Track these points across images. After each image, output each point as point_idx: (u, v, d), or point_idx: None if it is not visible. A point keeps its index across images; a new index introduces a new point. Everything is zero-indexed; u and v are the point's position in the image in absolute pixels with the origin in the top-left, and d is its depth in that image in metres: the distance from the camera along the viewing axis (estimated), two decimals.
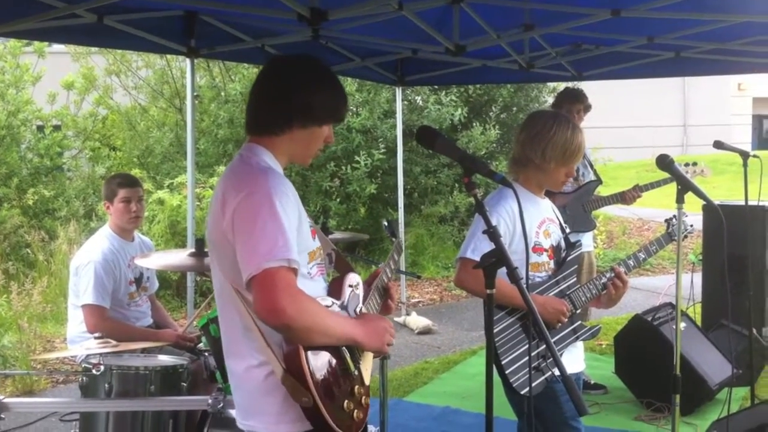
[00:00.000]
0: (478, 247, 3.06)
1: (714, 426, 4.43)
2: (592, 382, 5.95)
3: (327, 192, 10.92)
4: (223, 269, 2.37)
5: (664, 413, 5.28)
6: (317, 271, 2.48)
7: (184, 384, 3.67)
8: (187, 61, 5.87)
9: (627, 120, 23.92)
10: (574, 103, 5.80)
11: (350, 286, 2.58)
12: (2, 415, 3.29)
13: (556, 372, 3.12)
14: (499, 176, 2.37)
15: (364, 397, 2.42)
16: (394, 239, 3.32)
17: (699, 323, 6.07)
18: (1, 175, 10.63)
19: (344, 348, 2.37)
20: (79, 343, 4.14)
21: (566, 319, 3.22)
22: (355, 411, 2.35)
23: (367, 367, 2.51)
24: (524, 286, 2.18)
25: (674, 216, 3.71)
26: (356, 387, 2.39)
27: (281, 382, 2.23)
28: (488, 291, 2.21)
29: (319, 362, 2.27)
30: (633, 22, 5.07)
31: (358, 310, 2.58)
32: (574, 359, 3.32)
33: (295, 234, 2.26)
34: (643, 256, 3.52)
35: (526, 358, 3.10)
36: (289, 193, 2.31)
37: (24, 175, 10.90)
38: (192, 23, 5.19)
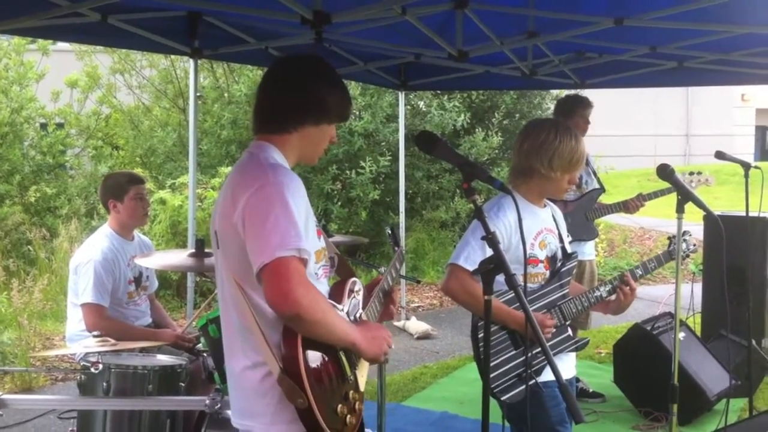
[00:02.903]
0: (471, 257, 3.07)
1: None
2: (591, 390, 5.95)
3: (329, 195, 10.93)
4: (227, 263, 2.37)
5: (662, 423, 5.27)
6: (323, 272, 2.49)
7: (182, 384, 3.67)
8: (191, 61, 5.88)
9: (629, 128, 23.91)
10: (586, 108, 5.73)
11: (351, 291, 2.59)
12: (0, 412, 3.29)
13: (540, 379, 3.16)
14: (498, 182, 2.38)
15: (357, 403, 2.44)
16: (396, 248, 3.31)
17: (699, 333, 6.06)
18: (3, 172, 10.64)
19: (342, 352, 2.39)
20: (78, 341, 4.14)
21: (550, 332, 3.21)
22: (348, 416, 2.37)
23: (363, 373, 2.52)
24: (522, 292, 2.17)
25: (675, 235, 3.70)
26: (351, 392, 2.41)
27: (278, 382, 2.24)
28: (486, 297, 2.22)
29: (316, 365, 2.28)
30: (636, 31, 5.08)
31: (358, 315, 2.59)
32: (565, 366, 3.32)
33: (304, 227, 2.28)
34: (640, 273, 3.50)
35: (509, 365, 3.13)
36: (299, 190, 2.33)
37: (26, 173, 10.92)
38: (195, 24, 5.20)
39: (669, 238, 3.73)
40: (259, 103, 2.52)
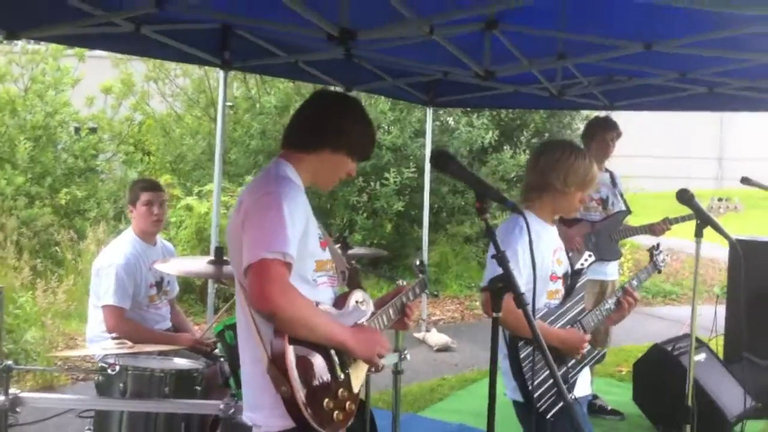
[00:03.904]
0: None
1: None
2: (609, 407, 5.95)
3: (354, 206, 10.99)
4: (234, 264, 2.54)
5: None
6: (326, 281, 2.60)
7: (198, 388, 3.72)
8: (220, 73, 5.96)
9: (661, 149, 23.69)
10: (608, 131, 5.78)
11: (356, 301, 2.69)
12: (18, 410, 3.36)
13: (576, 394, 3.25)
14: (510, 203, 2.42)
15: (348, 402, 2.52)
16: (421, 275, 3.37)
17: (721, 355, 6.02)
18: (35, 174, 10.82)
19: (334, 352, 2.49)
20: (98, 342, 4.21)
21: (584, 351, 3.27)
22: (336, 412, 2.45)
23: (358, 375, 2.61)
24: (530, 312, 2.20)
25: (653, 246, 3.81)
26: (341, 390, 2.50)
27: (266, 371, 2.38)
28: (494, 314, 2.24)
29: (305, 359, 2.41)
30: (665, 57, 5.04)
31: (359, 323, 2.68)
32: (584, 383, 3.39)
33: (297, 236, 2.41)
34: (636, 283, 3.57)
35: (549, 382, 3.14)
36: (300, 201, 2.48)
37: (58, 175, 11.09)
38: (227, 36, 5.28)
39: (649, 249, 3.83)
40: (290, 122, 2.74)
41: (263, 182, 2.54)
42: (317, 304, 2.51)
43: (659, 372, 5.56)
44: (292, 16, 4.04)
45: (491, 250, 3.18)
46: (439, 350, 8.10)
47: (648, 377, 5.74)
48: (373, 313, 2.77)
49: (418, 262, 3.56)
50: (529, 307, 2.21)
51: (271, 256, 2.32)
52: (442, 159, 2.57)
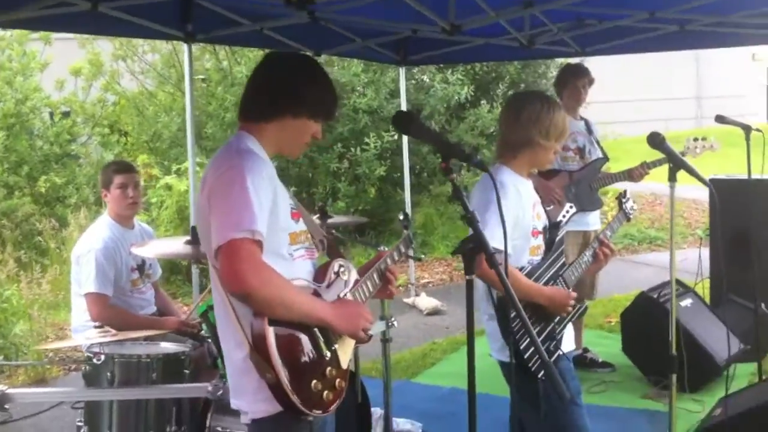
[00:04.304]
0: (495, 235, 2.86)
1: (720, 402, 4.43)
2: (600, 360, 5.96)
3: (335, 173, 10.92)
4: (204, 245, 2.47)
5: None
6: (303, 254, 2.53)
7: (187, 371, 3.68)
8: (185, 46, 5.84)
9: (638, 93, 23.62)
10: (579, 77, 5.74)
11: (335, 272, 2.60)
12: (6, 406, 3.31)
13: (564, 350, 3.23)
14: (475, 160, 2.37)
15: (338, 380, 2.47)
16: (405, 230, 3.33)
17: (707, 299, 6.03)
18: (11, 163, 10.66)
19: (317, 330, 2.42)
20: (83, 332, 4.16)
21: (571, 309, 3.25)
22: (325, 392, 2.39)
23: (346, 350, 2.54)
24: (503, 271, 2.16)
25: (621, 194, 3.78)
26: (328, 369, 2.43)
27: (248, 357, 2.31)
28: (467, 277, 2.21)
29: (287, 341, 2.33)
30: None
31: (342, 295, 2.60)
32: (569, 338, 3.39)
33: (265, 211, 2.31)
34: (610, 234, 3.56)
35: (540, 340, 3.12)
36: (264, 174, 2.38)
37: (35, 163, 10.93)
38: (188, 8, 5.17)
39: (617, 198, 3.79)
40: (244, 93, 2.61)
41: (225, 157, 2.43)
42: (295, 280, 2.43)
43: (646, 320, 5.54)
44: None
45: (483, 207, 3.15)
46: (430, 314, 8.09)
47: (636, 327, 5.73)
48: (356, 282, 2.68)
49: (401, 216, 3.53)
50: (503, 267, 2.17)
51: (240, 236, 2.23)
52: (403, 120, 2.51)
